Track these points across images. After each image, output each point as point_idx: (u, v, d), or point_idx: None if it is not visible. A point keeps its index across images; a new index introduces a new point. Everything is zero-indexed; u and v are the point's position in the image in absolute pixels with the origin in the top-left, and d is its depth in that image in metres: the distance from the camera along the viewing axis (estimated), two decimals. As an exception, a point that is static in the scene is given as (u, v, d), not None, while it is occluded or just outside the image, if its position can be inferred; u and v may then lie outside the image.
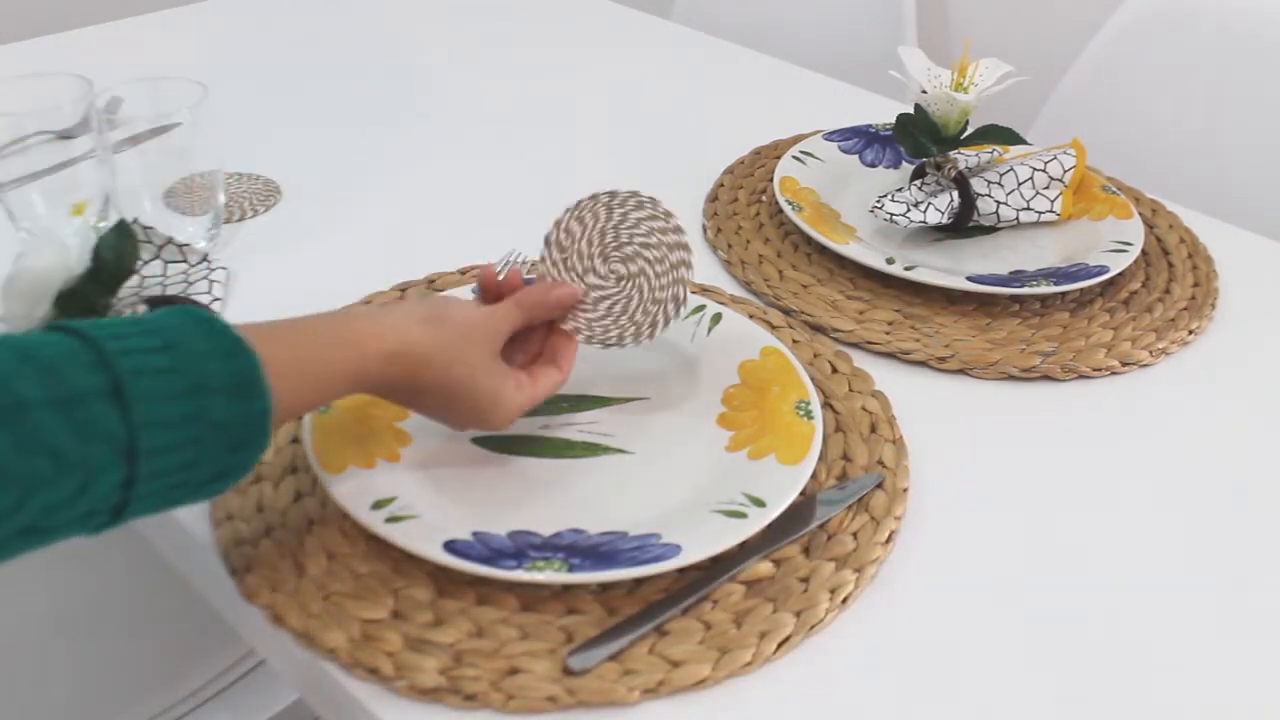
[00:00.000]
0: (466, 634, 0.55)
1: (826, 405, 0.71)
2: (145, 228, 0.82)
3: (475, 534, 0.58)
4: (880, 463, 0.66)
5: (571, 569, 0.56)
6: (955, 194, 0.87)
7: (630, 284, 0.66)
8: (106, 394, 0.44)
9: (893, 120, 0.93)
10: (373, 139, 1.05)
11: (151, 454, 0.45)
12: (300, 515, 0.61)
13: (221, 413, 0.47)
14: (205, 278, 0.79)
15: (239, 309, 0.79)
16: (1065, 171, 0.90)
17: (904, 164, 0.99)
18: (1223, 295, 0.86)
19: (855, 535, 0.61)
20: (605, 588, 0.58)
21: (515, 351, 0.65)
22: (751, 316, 0.78)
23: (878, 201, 0.87)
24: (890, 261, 0.83)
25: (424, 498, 0.61)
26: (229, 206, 0.92)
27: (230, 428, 0.47)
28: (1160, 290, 0.85)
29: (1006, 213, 0.89)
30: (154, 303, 0.75)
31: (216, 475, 0.48)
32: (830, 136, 1.01)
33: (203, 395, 0.46)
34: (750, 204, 0.95)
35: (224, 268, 0.81)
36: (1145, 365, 0.78)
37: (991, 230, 0.91)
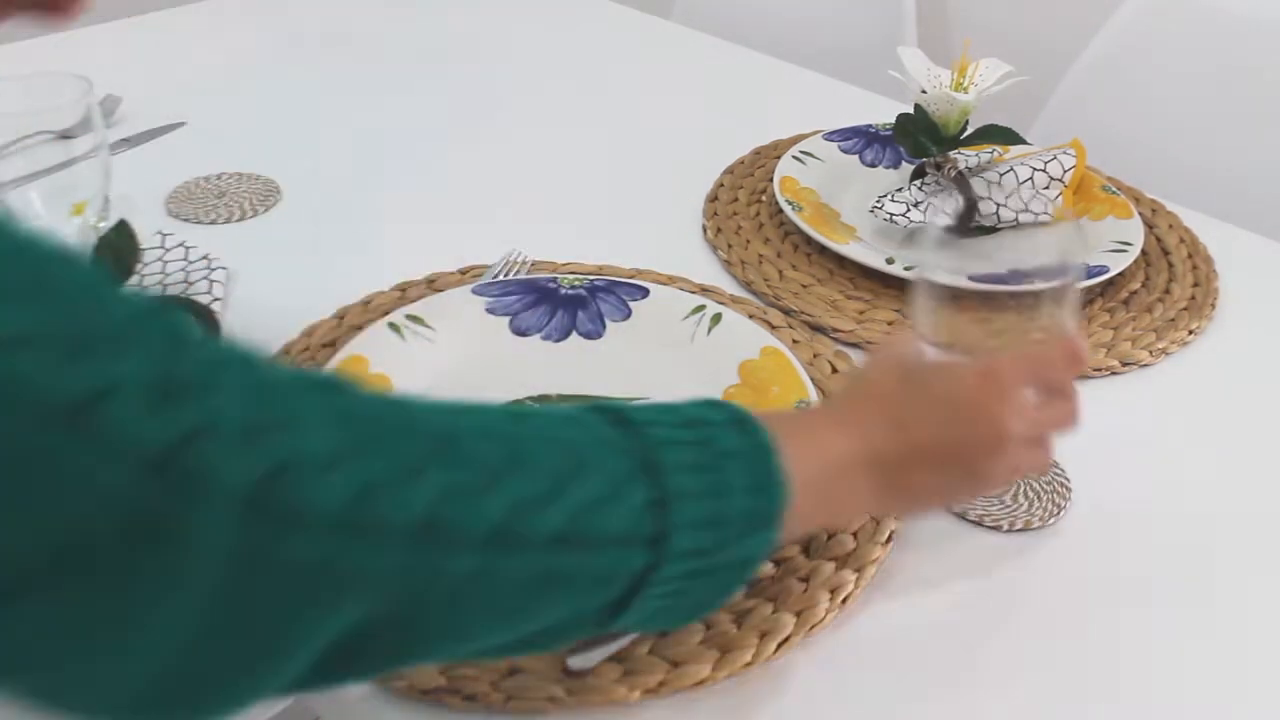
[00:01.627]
0: (466, 634, 0.55)
1: (826, 405, 0.71)
2: (145, 228, 0.82)
3: (475, 534, 0.58)
4: (880, 463, 0.66)
5: (571, 569, 0.55)
6: (957, 195, 0.87)
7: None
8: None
9: (893, 120, 0.93)
10: (373, 139, 1.05)
11: (676, 470, 0.42)
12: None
13: (731, 443, 0.44)
14: (205, 278, 0.79)
15: (239, 309, 0.79)
16: (1065, 171, 0.90)
17: (904, 164, 0.99)
18: (1223, 295, 0.86)
19: (855, 535, 0.61)
20: (605, 588, 0.58)
21: None
22: (751, 316, 0.78)
23: (878, 201, 0.87)
24: (890, 261, 0.83)
25: (424, 498, 0.61)
26: (229, 206, 0.92)
27: (740, 458, 0.44)
28: (1160, 290, 0.85)
29: (1006, 214, 0.89)
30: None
31: (742, 533, 0.43)
32: (830, 136, 1.01)
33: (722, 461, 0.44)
34: (750, 204, 0.95)
35: (224, 268, 0.81)
36: (1145, 365, 0.78)
37: (991, 230, 0.90)
